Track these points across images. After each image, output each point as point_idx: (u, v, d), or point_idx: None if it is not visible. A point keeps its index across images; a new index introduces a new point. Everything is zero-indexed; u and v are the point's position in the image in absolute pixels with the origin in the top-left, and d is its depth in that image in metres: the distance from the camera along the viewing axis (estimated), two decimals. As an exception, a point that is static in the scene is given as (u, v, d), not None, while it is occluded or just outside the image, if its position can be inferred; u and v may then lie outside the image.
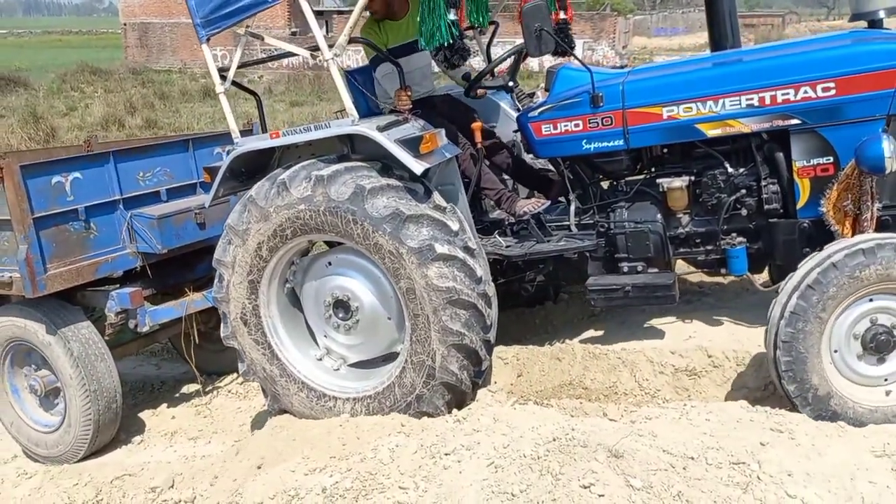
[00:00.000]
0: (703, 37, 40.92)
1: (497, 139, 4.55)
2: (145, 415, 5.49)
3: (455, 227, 3.77)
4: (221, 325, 4.28)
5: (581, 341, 4.31)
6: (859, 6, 3.83)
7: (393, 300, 3.87)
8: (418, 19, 3.69)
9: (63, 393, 4.73)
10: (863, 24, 3.89)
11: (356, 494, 3.01)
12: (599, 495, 2.46)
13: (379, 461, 3.19)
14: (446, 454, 2.95)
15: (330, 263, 4.07)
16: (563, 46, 4.09)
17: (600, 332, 4.41)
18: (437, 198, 3.83)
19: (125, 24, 34.33)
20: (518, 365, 4.28)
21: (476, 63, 5.00)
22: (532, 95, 4.44)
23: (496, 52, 4.82)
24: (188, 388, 5.70)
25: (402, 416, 3.77)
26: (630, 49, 36.01)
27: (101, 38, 59.95)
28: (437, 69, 4.83)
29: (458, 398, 3.85)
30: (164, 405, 5.55)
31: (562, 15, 4.53)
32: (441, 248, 3.65)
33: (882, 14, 3.77)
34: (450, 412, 3.81)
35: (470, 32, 4.54)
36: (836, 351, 3.30)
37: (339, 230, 3.77)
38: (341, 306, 4.02)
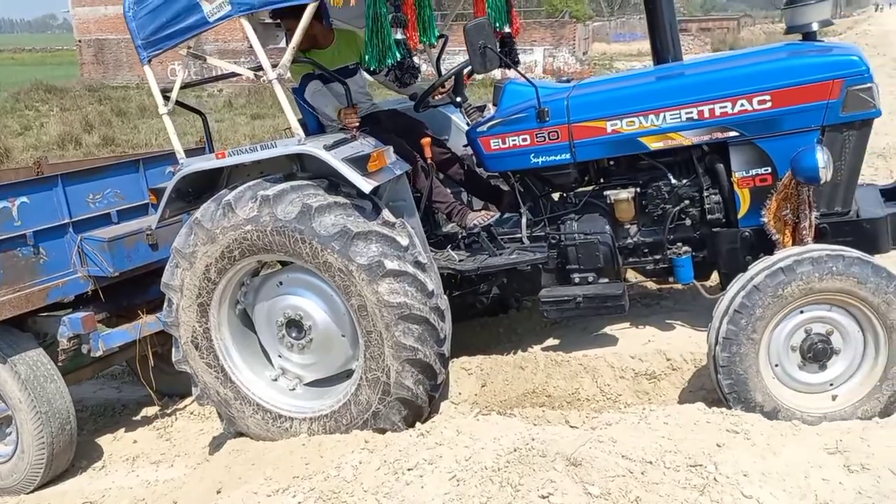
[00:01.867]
0: (660, 41, 41.62)
1: (450, 152, 4.57)
2: (106, 439, 5.40)
3: (404, 242, 3.77)
4: (174, 349, 4.24)
5: (543, 349, 4.34)
6: (794, 20, 3.90)
7: (346, 318, 3.86)
8: (366, 41, 3.71)
9: (14, 420, 4.62)
10: (797, 36, 3.98)
11: (319, 513, 2.99)
12: (558, 504, 2.48)
13: (342, 479, 3.17)
14: (409, 469, 2.95)
15: (281, 283, 4.06)
16: (507, 62, 4.13)
17: (562, 340, 4.45)
18: (385, 214, 3.84)
19: (80, 41, 33.88)
20: (482, 375, 4.31)
21: (427, 74, 5.03)
22: (482, 108, 4.48)
23: (447, 63, 4.85)
24: (149, 412, 5.63)
25: (366, 432, 3.76)
26: (590, 55, 36.43)
27: (56, 55, 58.89)
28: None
29: (415, 413, 3.85)
30: (125, 429, 5.48)
31: (507, 29, 4.59)
32: (391, 264, 3.65)
33: (815, 27, 3.85)
34: (407, 427, 3.81)
35: (420, 47, 4.57)
36: (776, 365, 3.38)
37: (287, 249, 3.75)
38: (294, 325, 4.01)
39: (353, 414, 3.85)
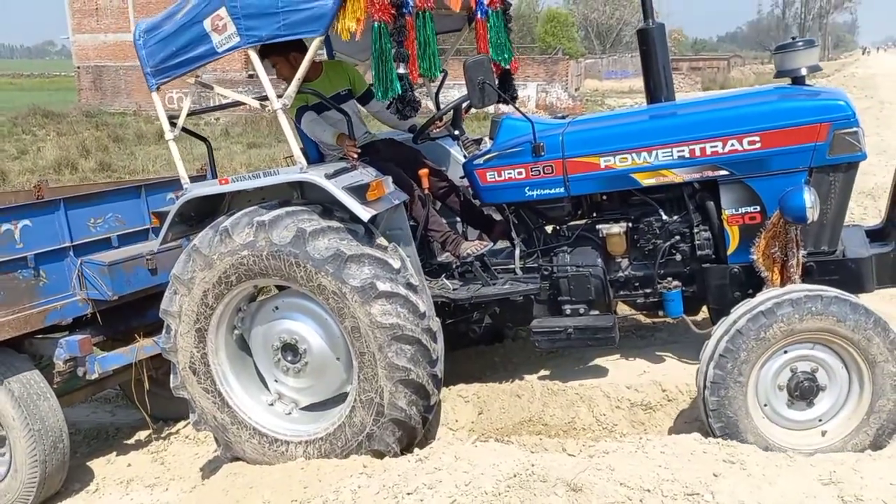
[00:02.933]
0: (652, 80, 42.18)
1: (447, 183, 4.67)
2: (100, 463, 5.40)
3: (396, 264, 3.84)
4: (171, 374, 4.27)
5: (540, 378, 4.39)
6: (783, 64, 4.01)
7: (340, 341, 3.92)
8: (373, 74, 3.80)
9: (7, 440, 4.63)
10: (787, 80, 4.10)
11: (318, 536, 3.01)
12: (559, 529, 2.52)
13: (341, 503, 3.19)
14: (408, 494, 2.98)
15: (277, 308, 4.12)
16: (505, 98, 4.23)
17: (558, 369, 4.50)
18: (378, 237, 3.91)
19: (79, 67, 34.07)
20: (479, 403, 4.34)
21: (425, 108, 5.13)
22: (479, 142, 4.58)
23: (448, 94, 4.96)
24: (143, 435, 5.63)
25: (364, 457, 3.79)
26: (582, 91, 36.88)
27: (54, 80, 59.18)
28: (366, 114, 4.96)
29: (409, 434, 3.89)
30: (119, 453, 5.48)
31: (506, 67, 4.70)
32: (383, 286, 3.72)
33: (804, 71, 3.96)
34: (402, 449, 3.85)
35: (420, 80, 4.70)
36: (765, 405, 3.45)
37: (282, 273, 3.82)
38: (290, 350, 4.06)
39: (347, 436, 3.88)
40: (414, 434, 3.91)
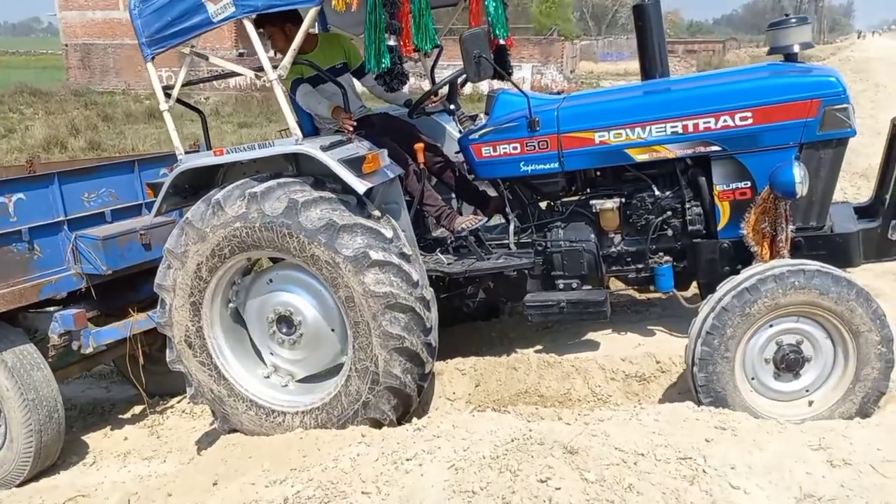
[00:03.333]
0: (645, 62, 42.14)
1: (443, 158, 4.69)
2: (96, 437, 5.44)
3: (389, 234, 3.87)
4: (167, 349, 4.30)
5: (536, 351, 4.45)
6: (776, 41, 4.05)
7: (335, 312, 3.95)
8: (366, 45, 3.82)
9: (2, 411, 4.65)
10: (780, 57, 4.13)
11: (318, 502, 3.06)
12: (556, 488, 2.55)
13: (340, 470, 3.22)
14: (408, 459, 3.01)
15: (271, 280, 4.15)
16: (501, 72, 4.24)
17: (554, 343, 4.57)
18: (370, 207, 3.94)
19: (66, 45, 33.71)
20: (476, 375, 4.39)
21: (423, 84, 5.15)
22: (474, 118, 4.60)
23: (440, 74, 4.98)
24: (139, 410, 5.68)
25: (363, 427, 3.83)
26: (577, 73, 36.84)
27: (41, 58, 58.46)
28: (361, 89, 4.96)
29: (404, 402, 3.94)
30: (116, 427, 5.52)
31: (501, 41, 4.70)
32: (376, 255, 3.75)
33: (796, 48, 4.00)
34: (398, 418, 3.90)
35: (415, 55, 4.71)
36: (753, 378, 3.52)
37: (275, 245, 3.85)
38: (284, 322, 4.09)
39: (343, 405, 3.93)
40: (409, 402, 3.96)
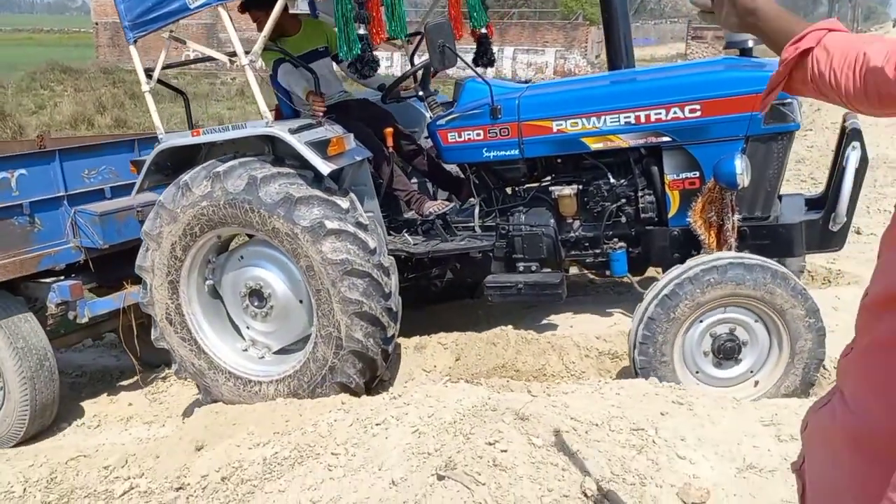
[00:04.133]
0: (675, 47, 41.57)
1: (416, 144, 4.87)
2: (103, 402, 5.65)
3: (345, 205, 4.05)
4: (152, 328, 4.54)
5: (515, 328, 4.58)
6: (731, 37, 4.14)
7: (301, 284, 4.15)
8: (336, 33, 3.97)
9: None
10: (735, 51, 4.23)
11: (293, 462, 3.23)
12: (502, 450, 2.67)
13: (318, 434, 3.40)
14: (377, 424, 3.17)
15: (242, 257, 4.37)
16: (465, 61, 4.38)
17: (535, 321, 4.70)
18: (327, 181, 4.10)
19: (97, 24, 34.21)
20: (456, 350, 4.55)
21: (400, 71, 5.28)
22: (450, 104, 4.74)
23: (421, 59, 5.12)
24: (145, 378, 5.87)
25: (343, 395, 4.00)
26: (602, 58, 36.54)
27: (73, 36, 59.28)
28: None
29: (370, 366, 4.11)
30: (121, 393, 5.72)
31: (483, 31, 4.88)
32: (331, 224, 3.93)
33: (751, 44, 4.09)
34: (365, 382, 4.08)
35: (398, 42, 4.84)
36: (697, 372, 3.67)
37: (239, 220, 4.05)
38: (256, 295, 4.31)
39: (312, 371, 4.13)
40: (374, 365, 4.14)
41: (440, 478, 2.58)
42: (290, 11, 4.62)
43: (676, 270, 3.60)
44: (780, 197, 4.26)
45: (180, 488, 3.56)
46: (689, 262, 3.61)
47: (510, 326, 4.57)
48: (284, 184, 3.99)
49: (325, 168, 3.97)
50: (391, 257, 4.23)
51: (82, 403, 5.66)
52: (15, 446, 4.96)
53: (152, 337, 4.55)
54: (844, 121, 4.05)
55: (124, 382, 5.92)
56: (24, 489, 4.19)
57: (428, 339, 4.64)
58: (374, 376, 4.19)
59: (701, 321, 3.59)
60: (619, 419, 2.97)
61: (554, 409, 3.03)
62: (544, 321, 4.63)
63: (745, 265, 3.46)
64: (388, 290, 4.09)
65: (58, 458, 4.53)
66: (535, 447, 2.70)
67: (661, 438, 2.86)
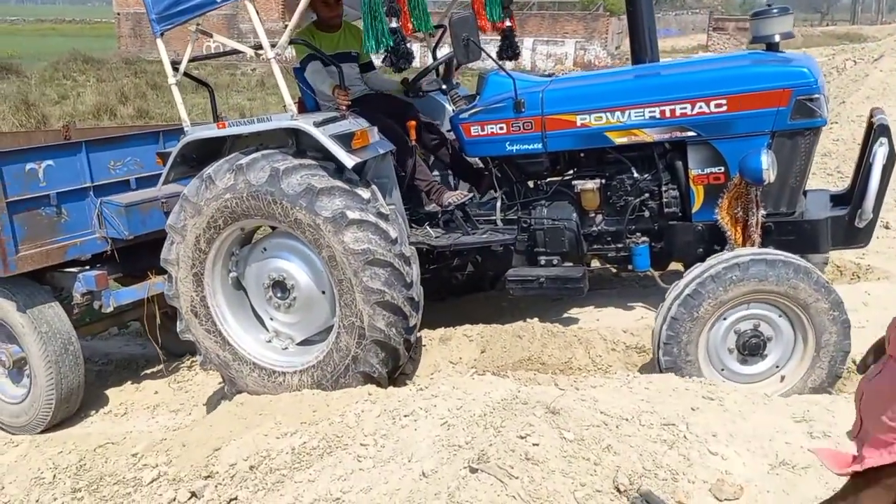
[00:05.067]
0: (695, 38, 41.17)
1: (440, 136, 4.88)
2: (129, 390, 5.74)
3: (366, 195, 4.07)
4: (177, 320, 4.59)
5: (541, 320, 4.57)
6: (758, 31, 4.12)
7: (324, 275, 4.18)
8: (363, 27, 3.98)
9: (27, 359, 4.98)
10: (762, 46, 4.20)
11: (321, 452, 3.25)
12: (534, 444, 2.68)
13: (345, 425, 3.42)
14: (405, 416, 3.18)
15: (265, 249, 4.40)
16: (488, 54, 4.39)
17: (560, 314, 4.69)
18: (349, 173, 4.12)
19: (119, 14, 34.40)
20: (482, 342, 4.55)
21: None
22: (473, 98, 4.74)
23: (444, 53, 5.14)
24: (170, 367, 5.94)
25: (370, 386, 4.02)
26: (623, 49, 36.26)
27: (95, 27, 59.68)
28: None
29: (392, 355, 4.14)
30: (148, 381, 5.79)
31: (507, 23, 4.88)
32: (353, 215, 3.96)
33: (777, 38, 4.07)
34: (388, 372, 4.11)
35: (420, 35, 4.86)
36: (723, 370, 3.66)
37: (262, 212, 4.09)
38: (279, 287, 4.35)
39: (335, 361, 4.15)
40: (396, 355, 4.16)
41: (473, 470, 2.59)
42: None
43: (698, 269, 3.59)
44: (805, 193, 4.24)
45: (208, 476, 3.59)
46: (711, 260, 3.59)
47: (536, 319, 4.56)
48: (306, 175, 4.02)
49: (349, 161, 3.99)
50: (412, 248, 4.25)
51: (109, 391, 5.73)
52: (42, 432, 5.05)
53: (178, 329, 4.60)
54: (871, 116, 4.01)
55: (150, 371, 5.99)
56: (54, 475, 4.24)
57: (453, 330, 4.65)
58: (397, 366, 4.21)
59: (725, 318, 3.59)
60: (649, 414, 2.96)
61: (583, 402, 3.02)
62: (570, 314, 4.63)
63: (767, 261, 3.45)
64: (409, 279, 4.11)
65: (86, 444, 4.58)
66: (566, 441, 2.70)
67: (692, 434, 2.85)
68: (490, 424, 2.87)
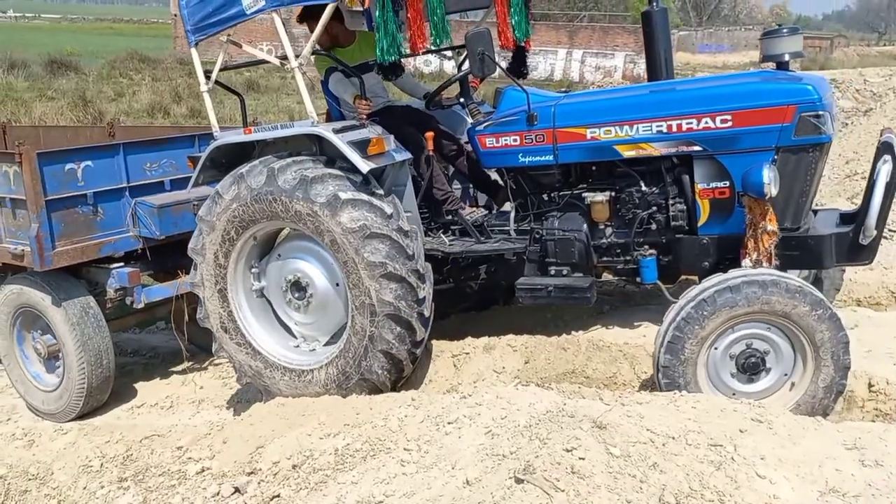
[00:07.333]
0: (748, 55, 40.61)
1: (459, 147, 5.01)
2: (175, 383, 5.88)
3: (358, 179, 4.20)
4: (198, 305, 4.74)
5: (586, 333, 4.56)
6: (768, 50, 4.17)
7: (332, 266, 4.31)
8: (376, 40, 4.12)
9: (60, 345, 5.18)
10: (772, 65, 4.25)
11: (365, 455, 3.29)
12: (580, 458, 2.67)
13: (388, 429, 3.45)
14: (449, 423, 3.20)
15: (279, 255, 4.56)
16: (503, 69, 4.53)
17: (605, 327, 4.67)
18: (340, 163, 4.25)
19: (175, 15, 35.12)
20: (526, 352, 4.55)
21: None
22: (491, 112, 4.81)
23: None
24: (216, 361, 6.04)
25: (413, 391, 4.05)
26: (673, 64, 35.84)
27: (152, 27, 61.08)
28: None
29: (406, 327, 4.19)
30: (193, 376, 5.91)
31: (521, 43, 4.95)
32: (345, 195, 4.09)
33: (787, 57, 4.12)
34: (407, 350, 4.19)
35: (431, 46, 4.96)
36: (734, 394, 3.67)
37: (266, 213, 4.26)
38: (296, 287, 4.50)
39: (354, 345, 4.24)
40: (412, 328, 4.19)
41: (519, 481, 2.59)
42: (348, 27, 4.88)
43: (672, 313, 3.68)
44: (815, 211, 4.27)
45: (252, 473, 3.66)
46: (681, 300, 3.68)
47: (581, 332, 4.56)
48: (299, 169, 4.19)
49: (364, 166, 4.13)
50: (413, 226, 4.34)
51: (155, 384, 5.85)
52: (76, 419, 5.29)
53: (197, 316, 4.77)
54: (881, 134, 4.03)
55: (196, 365, 6.09)
56: (102, 464, 4.36)
57: (497, 339, 4.66)
58: (416, 342, 4.25)
59: (715, 348, 3.65)
60: (696, 433, 2.93)
61: (629, 419, 3.00)
62: (615, 328, 4.60)
63: (731, 287, 3.52)
64: (411, 252, 4.19)
65: (133, 435, 4.71)
66: (612, 457, 2.69)
67: (739, 456, 2.80)
68: (535, 436, 2.87)
